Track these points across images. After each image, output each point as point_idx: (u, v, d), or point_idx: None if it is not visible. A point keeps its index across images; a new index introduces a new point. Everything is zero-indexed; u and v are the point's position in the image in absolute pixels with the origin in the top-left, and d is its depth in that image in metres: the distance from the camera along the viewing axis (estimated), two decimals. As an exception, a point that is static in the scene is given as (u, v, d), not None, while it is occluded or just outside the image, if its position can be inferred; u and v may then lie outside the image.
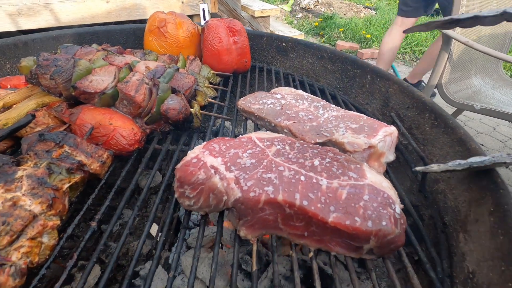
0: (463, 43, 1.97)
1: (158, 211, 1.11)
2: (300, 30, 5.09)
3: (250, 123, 0.95)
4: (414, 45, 4.77)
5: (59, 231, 0.54)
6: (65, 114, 0.76)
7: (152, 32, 1.11)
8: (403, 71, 4.23)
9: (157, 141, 0.83)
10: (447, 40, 2.06)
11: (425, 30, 0.61)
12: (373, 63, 4.57)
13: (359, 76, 1.07)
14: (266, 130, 0.89)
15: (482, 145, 2.84)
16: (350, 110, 1.04)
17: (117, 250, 0.54)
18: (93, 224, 0.57)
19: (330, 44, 4.83)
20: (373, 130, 0.76)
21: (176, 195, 0.61)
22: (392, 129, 0.76)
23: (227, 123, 1.32)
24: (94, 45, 1.07)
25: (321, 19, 5.52)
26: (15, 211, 0.47)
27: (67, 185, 0.57)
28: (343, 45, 4.59)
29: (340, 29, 5.05)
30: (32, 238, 0.47)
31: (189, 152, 0.65)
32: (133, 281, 0.77)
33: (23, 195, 0.50)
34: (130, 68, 0.85)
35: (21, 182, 0.51)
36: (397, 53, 4.73)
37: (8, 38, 0.99)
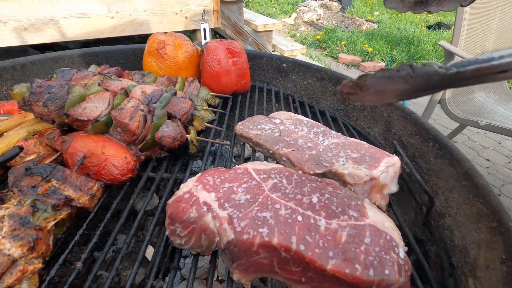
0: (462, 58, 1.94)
1: (154, 235, 1.08)
2: (302, 44, 5.14)
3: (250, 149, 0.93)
4: (416, 58, 4.77)
5: (42, 273, 0.51)
6: (57, 142, 0.74)
7: (151, 53, 1.10)
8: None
9: (152, 168, 0.81)
10: (449, 55, 2.04)
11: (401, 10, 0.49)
12: (375, 76, 4.55)
13: (361, 99, 1.04)
14: (264, 157, 0.86)
15: (488, 160, 2.78)
16: (351, 133, 1.01)
17: (108, 281, 0.51)
18: (79, 264, 0.54)
19: (333, 57, 4.86)
20: (375, 161, 0.73)
21: (167, 232, 0.58)
22: (395, 159, 0.73)
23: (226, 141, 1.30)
24: (92, 67, 1.06)
25: (323, 32, 5.57)
26: (-8, 257, 0.44)
27: (52, 223, 0.54)
28: (345, 58, 4.60)
29: (342, 42, 5.08)
30: (10, 287, 0.44)
31: (182, 185, 0.63)
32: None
33: (3, 237, 0.47)
34: (126, 93, 0.84)
35: (2, 222, 0.48)
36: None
37: (6, 61, 0.99)
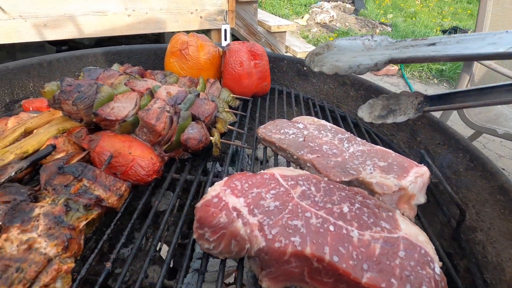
0: (486, 66, 1.90)
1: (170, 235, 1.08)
2: (315, 45, 5.10)
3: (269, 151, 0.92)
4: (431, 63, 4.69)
5: (73, 273, 0.51)
6: (84, 140, 0.74)
7: (174, 54, 1.11)
8: (419, 89, 4.15)
9: (175, 170, 0.81)
10: (468, 62, 2.00)
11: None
12: (388, 79, 4.51)
13: (384, 106, 1.03)
14: (287, 161, 0.86)
15: (503, 169, 2.71)
16: (374, 140, 1.00)
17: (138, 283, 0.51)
18: (108, 265, 0.55)
19: (345, 60, 4.80)
20: (403, 170, 0.71)
21: (194, 236, 0.58)
22: (424, 169, 0.72)
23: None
24: (115, 65, 1.07)
25: (336, 34, 5.53)
26: (29, 256, 0.45)
27: (84, 223, 0.54)
28: (358, 61, 4.55)
29: (355, 45, 5.02)
30: (45, 285, 0.45)
31: (209, 189, 0.62)
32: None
33: (39, 236, 0.48)
34: (152, 93, 0.84)
35: (37, 221, 0.49)
36: (414, 71, 4.66)
37: (33, 58, 1.00)
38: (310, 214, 0.56)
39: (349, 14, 6.89)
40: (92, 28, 2.73)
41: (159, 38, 4.24)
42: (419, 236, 0.54)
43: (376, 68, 0.44)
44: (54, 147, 0.63)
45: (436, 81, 4.59)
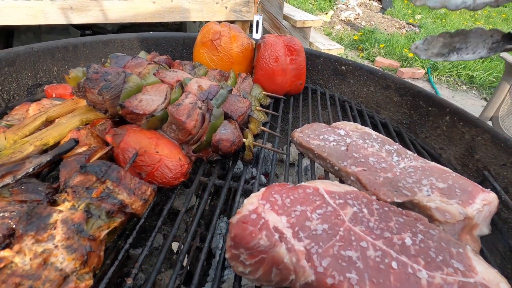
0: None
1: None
2: (339, 43, 4.93)
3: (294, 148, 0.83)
4: (460, 68, 4.45)
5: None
6: (108, 134, 0.68)
7: (204, 44, 1.03)
8: (445, 95, 3.93)
9: (203, 172, 0.74)
10: (510, 69, 1.84)
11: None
12: (413, 83, 4.31)
13: (434, 115, 0.92)
14: (326, 172, 0.77)
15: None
16: (419, 152, 0.89)
17: None
18: (129, 281, 0.48)
19: (369, 59, 4.62)
20: (468, 196, 0.61)
21: (227, 255, 0.51)
22: (492, 196, 0.62)
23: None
24: (142, 53, 1.00)
25: (361, 33, 5.32)
26: (44, 272, 0.38)
27: (105, 232, 0.48)
28: (382, 61, 4.37)
29: (380, 45, 4.82)
30: (60, 308, 0.38)
31: (245, 202, 0.55)
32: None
33: (56, 247, 0.41)
34: (182, 86, 0.76)
35: (54, 229, 0.43)
36: (441, 76, 4.43)
37: (59, 41, 0.95)
38: (366, 244, 0.47)
39: (376, 12, 6.62)
40: (117, 13, 2.69)
41: (181, 27, 4.18)
42: (500, 284, 0.44)
43: (496, 3, 0.35)
44: (76, 142, 0.56)
45: (464, 88, 4.35)
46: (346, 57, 4.46)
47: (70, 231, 0.43)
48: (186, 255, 0.90)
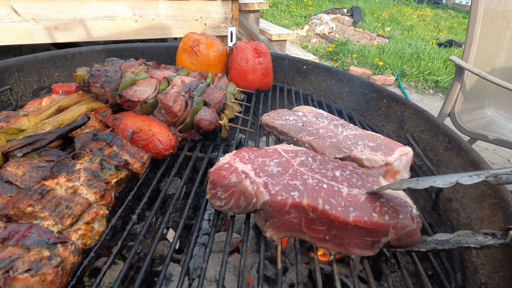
0: (476, 75, 2.01)
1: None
2: (314, 55, 5.28)
3: (271, 138, 1.02)
4: (426, 74, 4.86)
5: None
6: (109, 119, 0.84)
7: (186, 50, 1.22)
8: (414, 99, 4.28)
9: (188, 149, 0.91)
10: (459, 70, 2.11)
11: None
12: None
13: (376, 100, 1.14)
14: (288, 144, 0.96)
15: (496, 175, 2.79)
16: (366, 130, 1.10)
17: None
18: (134, 217, 0.64)
19: (343, 69, 4.98)
20: (390, 149, 0.81)
21: (207, 196, 0.67)
22: (408, 149, 0.82)
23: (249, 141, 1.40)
24: (131, 60, 1.18)
25: (335, 45, 5.71)
26: (75, 198, 0.54)
27: (115, 180, 0.64)
28: (356, 70, 4.71)
29: (353, 55, 5.20)
30: (87, 223, 0.54)
31: (220, 158, 0.72)
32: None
33: (81, 185, 0.57)
34: (168, 81, 0.95)
35: (79, 174, 0.58)
36: (410, 81, 4.83)
37: (59, 50, 1.11)
38: (307, 176, 0.65)
39: (348, 26, 7.12)
40: (101, 32, 2.85)
41: (164, 40, 4.38)
42: (399, 192, 0.63)
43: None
44: (89, 118, 0.72)
45: (431, 92, 4.74)
46: (321, 66, 4.78)
47: (90, 175, 0.59)
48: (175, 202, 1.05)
